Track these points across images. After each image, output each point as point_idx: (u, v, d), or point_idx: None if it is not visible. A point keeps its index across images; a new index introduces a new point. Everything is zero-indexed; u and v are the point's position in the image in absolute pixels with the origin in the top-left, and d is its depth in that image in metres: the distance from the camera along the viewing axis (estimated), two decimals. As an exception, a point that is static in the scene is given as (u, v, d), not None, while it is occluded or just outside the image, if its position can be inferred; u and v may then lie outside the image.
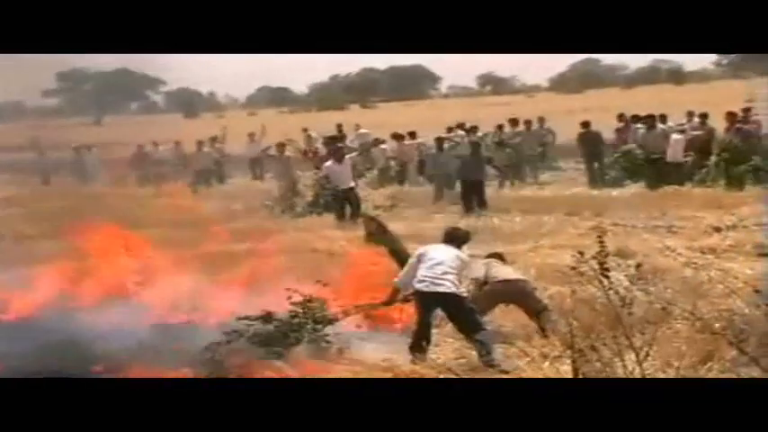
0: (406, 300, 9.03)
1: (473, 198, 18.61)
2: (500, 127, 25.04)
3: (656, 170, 20.22)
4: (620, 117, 23.82)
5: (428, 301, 8.44)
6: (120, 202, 18.66)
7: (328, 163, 18.54)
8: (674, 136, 20.62)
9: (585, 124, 23.29)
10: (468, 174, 19.01)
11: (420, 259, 8.66)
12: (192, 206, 18.82)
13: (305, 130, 27.05)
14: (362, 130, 27.92)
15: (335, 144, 21.47)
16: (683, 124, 22.23)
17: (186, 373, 7.75)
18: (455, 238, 9.06)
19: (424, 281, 8.43)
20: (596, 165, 22.42)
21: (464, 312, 8.35)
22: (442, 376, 7.35)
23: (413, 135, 25.44)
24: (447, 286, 8.32)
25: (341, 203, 18.08)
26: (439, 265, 8.44)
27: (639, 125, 22.02)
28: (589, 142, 22.74)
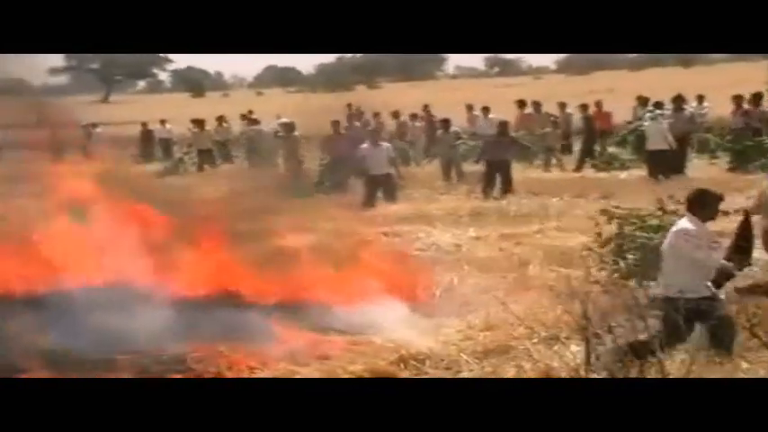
0: None
1: (495, 178, 18.39)
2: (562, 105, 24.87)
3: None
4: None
5: None
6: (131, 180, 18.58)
7: (364, 145, 18.32)
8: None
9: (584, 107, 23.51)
10: (493, 154, 18.81)
11: None
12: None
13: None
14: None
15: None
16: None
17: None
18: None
19: None
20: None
21: None
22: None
23: (418, 115, 25.44)
24: None
25: (373, 188, 17.68)
26: None
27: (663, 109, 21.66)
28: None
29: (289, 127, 22.18)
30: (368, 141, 18.15)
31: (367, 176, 17.75)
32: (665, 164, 18.61)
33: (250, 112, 27.53)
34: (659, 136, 18.90)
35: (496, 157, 18.49)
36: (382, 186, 17.55)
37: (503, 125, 19.64)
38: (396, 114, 26.45)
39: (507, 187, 18.02)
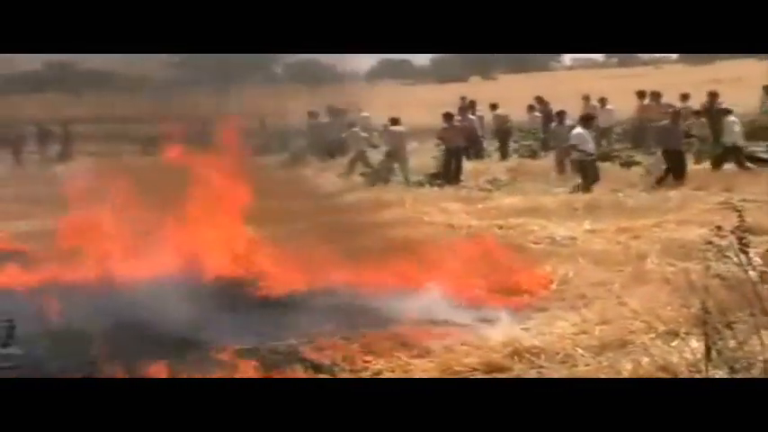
0: None
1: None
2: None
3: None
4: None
5: None
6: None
7: (578, 130, 18.26)
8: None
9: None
10: (667, 143, 18.50)
11: None
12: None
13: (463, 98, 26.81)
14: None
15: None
16: None
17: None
18: None
19: None
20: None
21: None
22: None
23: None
24: None
25: (586, 171, 17.73)
26: None
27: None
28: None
29: (394, 120, 22.30)
30: (579, 126, 18.37)
31: (582, 159, 17.84)
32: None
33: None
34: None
35: (671, 147, 18.21)
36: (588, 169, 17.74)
37: (675, 114, 19.29)
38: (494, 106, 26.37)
39: (681, 177, 17.71)
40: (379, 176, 21.13)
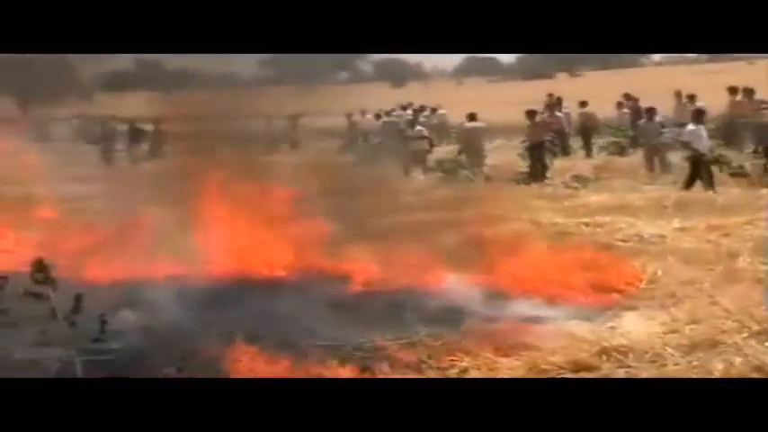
0: None
1: None
2: None
3: None
4: None
5: None
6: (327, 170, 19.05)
7: (690, 126, 17.96)
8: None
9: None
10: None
11: None
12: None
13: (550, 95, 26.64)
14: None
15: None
16: None
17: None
18: None
19: None
20: None
21: None
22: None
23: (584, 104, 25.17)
24: None
25: (699, 168, 17.30)
26: None
27: None
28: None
29: (471, 117, 22.21)
30: (692, 123, 17.86)
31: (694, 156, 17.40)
32: None
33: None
34: None
35: None
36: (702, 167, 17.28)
37: None
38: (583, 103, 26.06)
39: None
40: (450, 172, 21.14)
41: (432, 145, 23.84)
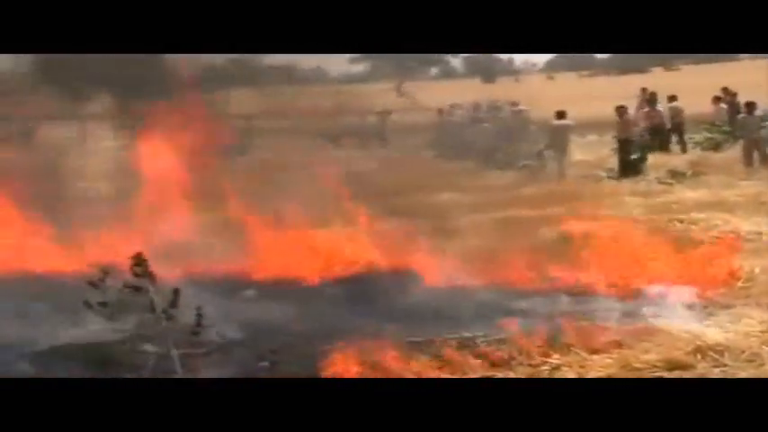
0: None
1: None
2: None
3: None
4: None
5: None
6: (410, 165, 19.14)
7: None
8: None
9: None
10: None
11: None
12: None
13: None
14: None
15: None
16: None
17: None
18: None
19: None
20: None
21: None
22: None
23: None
24: None
25: None
26: None
27: None
28: None
29: (560, 114, 22.00)
30: None
31: None
32: None
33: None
34: None
35: None
36: None
37: None
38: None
39: None
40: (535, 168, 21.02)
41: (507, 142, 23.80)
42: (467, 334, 7.78)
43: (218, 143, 11.85)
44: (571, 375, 6.89)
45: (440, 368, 7.08)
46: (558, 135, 21.73)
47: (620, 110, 21.69)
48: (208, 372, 6.69)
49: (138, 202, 10.78)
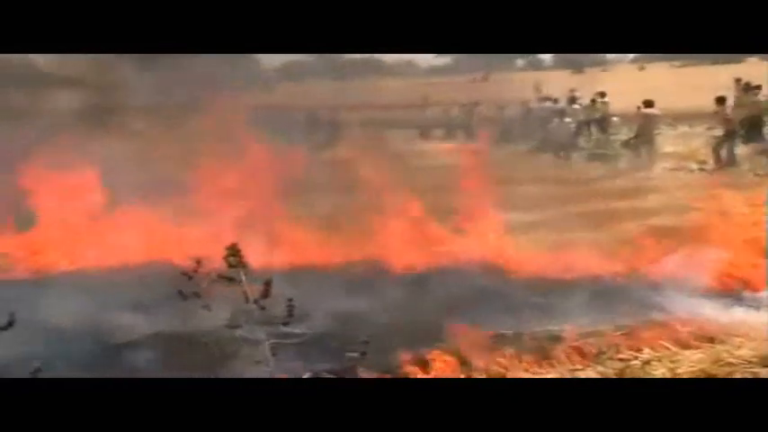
0: None
1: None
2: None
3: None
4: None
5: None
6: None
7: None
8: None
9: None
10: None
11: None
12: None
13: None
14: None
15: None
16: None
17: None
18: None
19: None
20: None
21: None
22: None
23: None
24: None
25: None
26: None
27: None
28: None
29: (648, 103, 21.65)
30: None
31: None
32: None
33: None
34: None
35: None
36: None
37: None
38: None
39: None
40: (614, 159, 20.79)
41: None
42: (554, 327, 7.77)
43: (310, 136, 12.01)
44: (662, 370, 6.81)
45: (528, 362, 7.09)
46: (645, 125, 21.42)
47: (719, 100, 21.24)
48: (298, 362, 6.82)
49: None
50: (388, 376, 6.75)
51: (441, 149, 21.78)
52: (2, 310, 5.03)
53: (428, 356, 7.11)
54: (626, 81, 29.11)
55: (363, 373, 6.66)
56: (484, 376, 6.79)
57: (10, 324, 5.01)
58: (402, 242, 10.25)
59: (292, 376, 6.47)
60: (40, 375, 5.14)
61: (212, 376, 6.59)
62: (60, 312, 8.20)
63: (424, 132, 28.58)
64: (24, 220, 11.17)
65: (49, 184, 10.91)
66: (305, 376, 6.76)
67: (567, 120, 24.38)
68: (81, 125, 12.09)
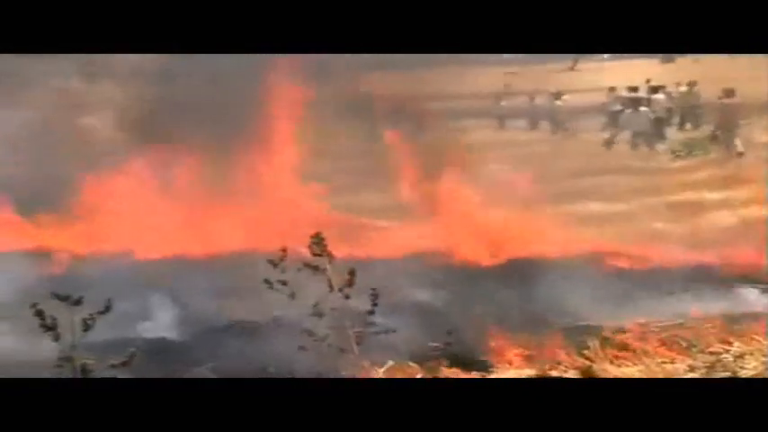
0: None
1: None
2: None
3: None
4: None
5: None
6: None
7: None
8: None
9: None
10: None
11: None
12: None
13: None
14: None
15: None
16: None
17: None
18: None
19: None
20: None
21: None
22: None
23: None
24: None
25: None
26: None
27: None
28: None
29: (728, 92, 21.14)
30: None
31: None
32: None
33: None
34: None
35: None
36: None
37: None
38: None
39: None
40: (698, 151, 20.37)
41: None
42: (641, 320, 7.68)
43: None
44: (753, 364, 6.67)
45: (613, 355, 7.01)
46: (725, 115, 20.94)
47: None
48: (381, 351, 6.87)
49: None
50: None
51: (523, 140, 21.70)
52: (100, 296, 5.13)
53: (507, 349, 7.08)
54: (717, 69, 28.53)
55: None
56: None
57: (107, 309, 5.13)
58: (482, 232, 10.25)
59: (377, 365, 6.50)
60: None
61: (293, 365, 6.63)
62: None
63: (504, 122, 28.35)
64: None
65: None
66: (388, 365, 6.80)
67: (644, 109, 23.96)
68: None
